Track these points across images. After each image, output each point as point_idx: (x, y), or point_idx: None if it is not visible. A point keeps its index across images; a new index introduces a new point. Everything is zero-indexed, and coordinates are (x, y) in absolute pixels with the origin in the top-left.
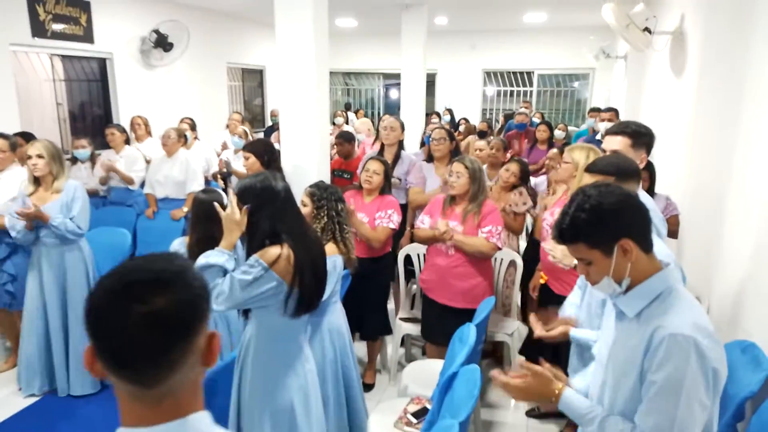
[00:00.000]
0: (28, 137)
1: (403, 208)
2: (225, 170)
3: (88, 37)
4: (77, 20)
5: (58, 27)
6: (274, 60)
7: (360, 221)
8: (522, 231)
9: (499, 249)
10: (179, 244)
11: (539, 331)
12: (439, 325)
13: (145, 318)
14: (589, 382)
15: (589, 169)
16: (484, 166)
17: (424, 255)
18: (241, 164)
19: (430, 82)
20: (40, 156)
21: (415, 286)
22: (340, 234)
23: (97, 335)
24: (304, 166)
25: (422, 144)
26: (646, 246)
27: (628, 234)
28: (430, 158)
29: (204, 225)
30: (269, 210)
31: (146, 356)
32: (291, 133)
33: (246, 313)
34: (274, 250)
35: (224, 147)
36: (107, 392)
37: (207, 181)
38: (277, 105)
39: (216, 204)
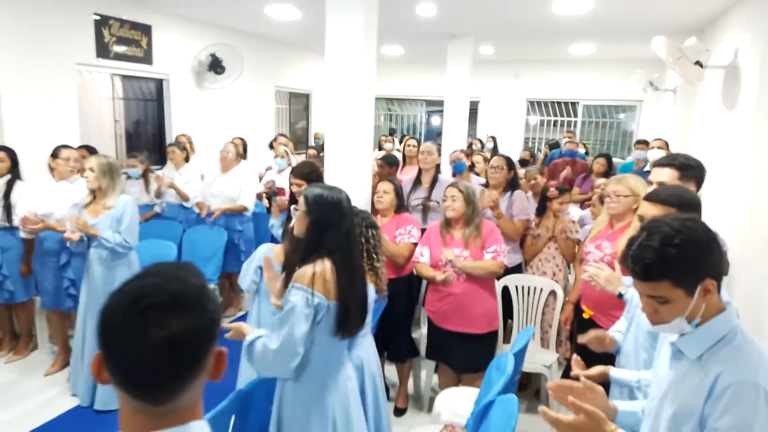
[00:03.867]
0: (90, 150)
1: None
2: (270, 190)
3: (147, 58)
4: (138, 43)
5: (120, 49)
6: (320, 84)
7: (384, 237)
8: (571, 260)
9: (506, 266)
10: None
11: (577, 371)
12: (456, 351)
13: (162, 342)
14: (642, 423)
15: (651, 198)
16: (529, 194)
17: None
18: (286, 185)
19: (473, 109)
20: (92, 169)
21: None
22: (368, 262)
23: (111, 352)
24: (347, 188)
25: (453, 173)
26: (720, 286)
27: (713, 274)
28: (485, 184)
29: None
30: (335, 225)
31: (159, 379)
32: (335, 156)
33: None
34: (306, 270)
35: (267, 169)
36: None
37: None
38: (323, 128)
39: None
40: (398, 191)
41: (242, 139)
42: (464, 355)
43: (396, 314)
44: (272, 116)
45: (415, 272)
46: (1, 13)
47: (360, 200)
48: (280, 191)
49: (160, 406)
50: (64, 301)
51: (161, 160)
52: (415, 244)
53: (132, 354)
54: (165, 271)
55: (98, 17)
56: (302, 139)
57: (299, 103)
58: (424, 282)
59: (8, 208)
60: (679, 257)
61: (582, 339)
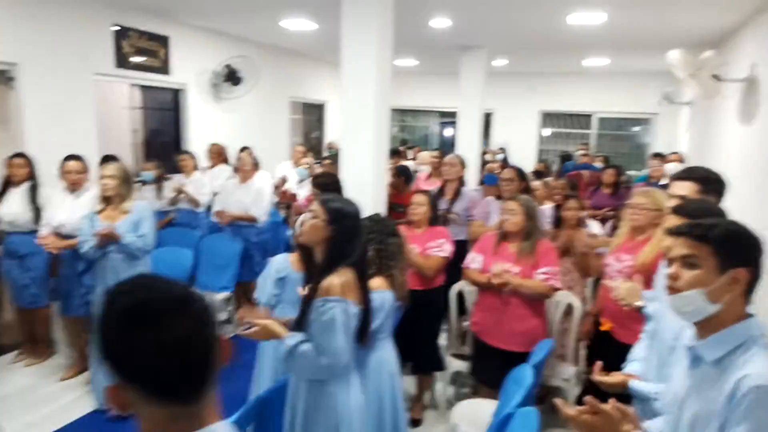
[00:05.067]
0: (113, 161)
1: (464, 243)
2: (282, 186)
3: (164, 69)
4: (156, 53)
5: (139, 59)
6: (335, 95)
7: (409, 249)
8: (594, 275)
9: (558, 290)
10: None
11: (598, 375)
12: (495, 369)
13: (182, 342)
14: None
15: (679, 211)
16: (548, 206)
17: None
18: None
19: (486, 121)
20: (112, 177)
21: (466, 323)
22: (387, 268)
23: (136, 371)
24: (362, 199)
25: (481, 182)
26: (750, 291)
27: (749, 265)
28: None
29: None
30: (357, 237)
31: (197, 375)
32: (351, 167)
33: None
34: (333, 281)
35: (284, 180)
36: None
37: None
38: (338, 139)
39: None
40: (433, 203)
41: (249, 149)
42: (502, 374)
43: (422, 326)
44: (286, 126)
45: (442, 282)
46: (24, 24)
47: (374, 210)
48: (291, 198)
49: (201, 401)
50: (81, 306)
51: (177, 169)
52: (446, 259)
53: (167, 362)
54: (145, 284)
55: (117, 28)
56: (316, 149)
57: (313, 114)
58: (452, 296)
59: (37, 212)
60: (728, 231)
61: (598, 380)
